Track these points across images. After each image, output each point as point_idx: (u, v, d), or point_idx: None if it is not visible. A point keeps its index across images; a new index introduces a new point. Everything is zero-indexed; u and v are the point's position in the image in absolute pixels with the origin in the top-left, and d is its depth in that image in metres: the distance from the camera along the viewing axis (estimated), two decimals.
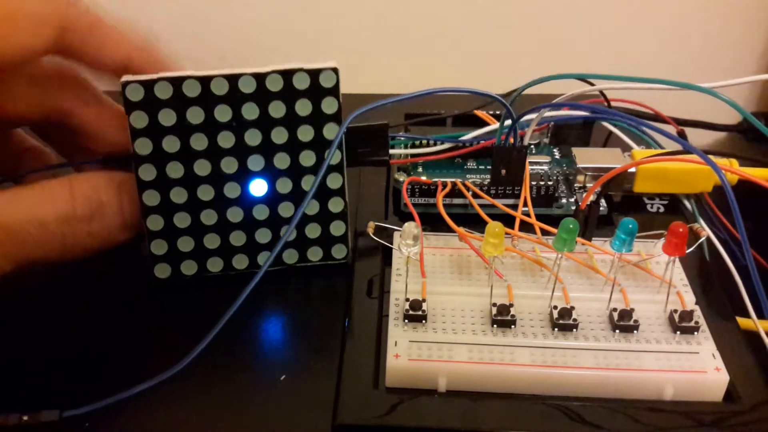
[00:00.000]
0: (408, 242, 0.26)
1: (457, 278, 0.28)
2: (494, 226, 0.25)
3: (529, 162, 0.33)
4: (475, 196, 0.31)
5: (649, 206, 0.33)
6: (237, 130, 0.27)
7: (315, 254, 0.30)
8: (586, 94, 0.33)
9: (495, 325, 0.26)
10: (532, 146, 0.35)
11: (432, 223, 0.30)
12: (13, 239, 0.26)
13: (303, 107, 0.27)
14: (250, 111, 0.27)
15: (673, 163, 0.31)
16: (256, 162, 0.28)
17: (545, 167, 0.34)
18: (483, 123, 0.35)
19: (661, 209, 0.33)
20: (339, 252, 0.30)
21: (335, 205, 0.29)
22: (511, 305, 0.26)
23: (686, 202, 0.33)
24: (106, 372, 0.26)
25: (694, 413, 0.24)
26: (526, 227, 0.29)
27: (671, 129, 0.38)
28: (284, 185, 0.28)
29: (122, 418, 0.24)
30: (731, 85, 0.30)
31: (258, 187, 0.28)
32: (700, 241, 0.28)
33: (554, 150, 0.35)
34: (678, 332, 0.25)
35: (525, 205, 0.31)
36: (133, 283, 0.30)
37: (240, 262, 0.29)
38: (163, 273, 0.29)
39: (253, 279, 0.26)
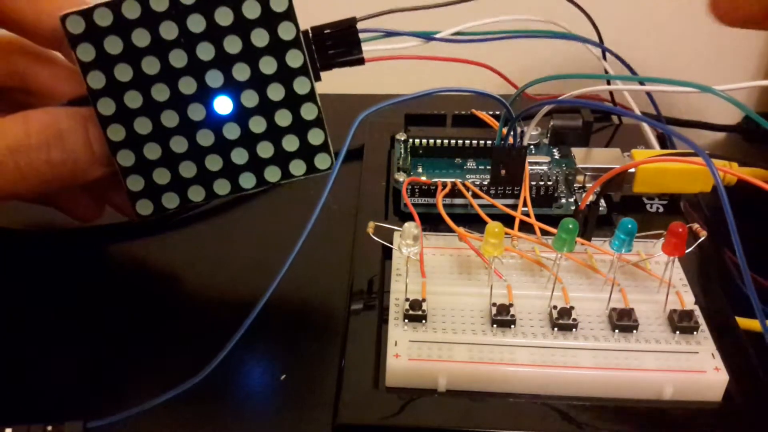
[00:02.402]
0: (408, 242, 0.26)
1: (457, 278, 0.28)
2: (494, 227, 0.25)
3: (529, 162, 0.33)
4: (475, 196, 0.31)
5: (648, 206, 0.33)
6: (187, 46, 0.26)
7: (297, 168, 0.28)
8: (587, 95, 0.33)
9: (495, 325, 0.26)
10: (532, 146, 0.35)
11: (432, 223, 0.30)
12: None
13: (251, 9, 0.26)
14: (196, 23, 0.26)
15: (673, 163, 0.31)
16: (214, 77, 0.27)
17: (545, 167, 0.34)
18: (483, 123, 0.36)
19: (661, 209, 0.33)
20: (322, 162, 0.28)
21: (308, 112, 0.27)
22: (511, 305, 0.26)
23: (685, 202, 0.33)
24: (130, 383, 0.26)
25: (694, 413, 0.24)
26: (525, 227, 0.29)
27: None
28: (250, 98, 0.27)
29: (145, 428, 0.24)
30: (732, 89, 0.29)
31: (223, 105, 0.27)
32: (700, 241, 0.28)
33: (554, 150, 0.35)
34: (677, 332, 0.25)
35: (525, 205, 0.31)
36: (157, 295, 0.30)
37: (222, 187, 0.28)
38: (146, 210, 0.28)
39: (267, 291, 0.25)
